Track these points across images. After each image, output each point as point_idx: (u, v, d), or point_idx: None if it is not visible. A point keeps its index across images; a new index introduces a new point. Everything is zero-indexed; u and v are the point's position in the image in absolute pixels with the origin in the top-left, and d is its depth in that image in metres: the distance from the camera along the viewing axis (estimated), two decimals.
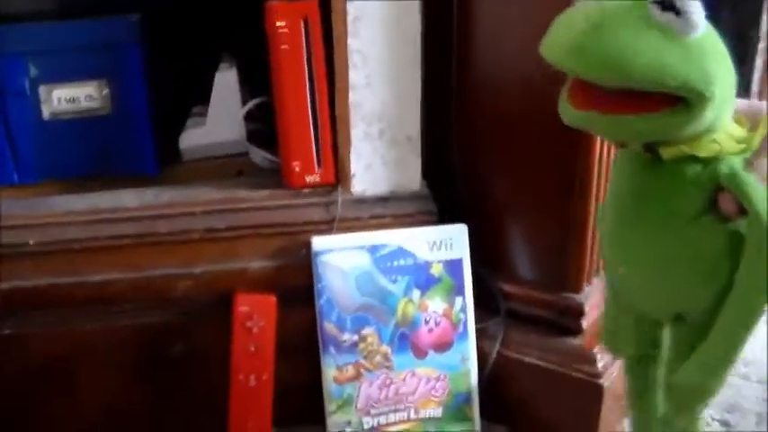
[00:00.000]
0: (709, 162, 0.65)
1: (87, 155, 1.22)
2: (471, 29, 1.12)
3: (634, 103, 0.61)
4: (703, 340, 0.68)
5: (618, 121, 0.62)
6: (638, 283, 0.74)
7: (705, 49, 0.60)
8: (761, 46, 1.75)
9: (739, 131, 0.66)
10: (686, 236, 0.67)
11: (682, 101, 0.60)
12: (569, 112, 0.65)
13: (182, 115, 1.31)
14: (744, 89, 1.81)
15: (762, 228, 0.61)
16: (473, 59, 1.13)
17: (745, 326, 0.64)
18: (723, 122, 0.65)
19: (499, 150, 1.14)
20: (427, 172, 1.17)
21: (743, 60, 1.78)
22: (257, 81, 1.22)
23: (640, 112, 0.61)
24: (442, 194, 1.18)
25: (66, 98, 1.20)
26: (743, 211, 0.64)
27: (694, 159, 0.65)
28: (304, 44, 1.10)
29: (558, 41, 0.62)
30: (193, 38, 1.30)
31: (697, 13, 0.59)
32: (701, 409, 0.77)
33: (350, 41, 1.10)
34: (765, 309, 0.63)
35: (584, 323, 1.14)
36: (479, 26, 1.12)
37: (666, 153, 0.65)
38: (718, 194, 0.66)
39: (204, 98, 1.28)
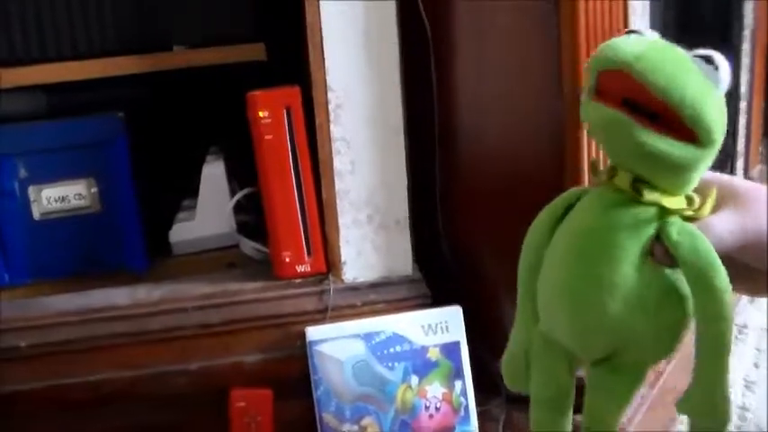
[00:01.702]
0: (660, 214, 0.67)
1: (77, 253, 1.21)
2: (453, 109, 1.14)
3: (659, 125, 0.63)
4: (621, 383, 0.69)
5: (646, 135, 0.64)
6: (581, 324, 0.73)
7: (722, 105, 0.64)
8: (742, 105, 1.77)
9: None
10: (635, 276, 0.68)
11: (694, 141, 0.63)
12: (600, 110, 0.66)
13: (172, 209, 1.30)
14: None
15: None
16: (456, 142, 1.13)
17: (721, 353, 0.65)
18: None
19: (488, 230, 1.14)
20: (417, 256, 1.17)
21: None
22: (245, 172, 1.22)
23: (667, 135, 0.64)
24: (433, 277, 1.17)
25: (56, 197, 1.20)
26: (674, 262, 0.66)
27: (647, 205, 0.67)
28: (287, 133, 1.11)
29: (617, 46, 0.65)
30: (180, 132, 1.30)
31: (727, 72, 0.63)
32: None
33: (332, 129, 1.11)
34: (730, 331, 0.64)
35: None
36: (460, 105, 1.13)
37: (649, 195, 0.66)
38: (653, 244, 0.67)
39: (194, 191, 1.28)
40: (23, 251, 1.21)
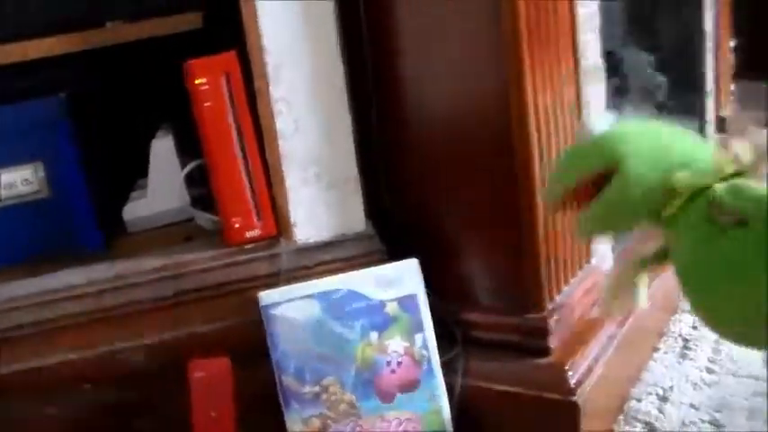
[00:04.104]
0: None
1: (31, 238, 1.21)
2: (392, 61, 1.12)
3: None
4: None
5: None
6: None
7: None
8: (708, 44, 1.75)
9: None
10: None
11: None
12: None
13: (125, 188, 1.29)
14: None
15: None
16: (397, 94, 1.12)
17: None
18: None
19: (437, 182, 1.13)
20: (371, 212, 1.15)
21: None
22: (197, 145, 1.21)
23: None
24: (390, 233, 1.16)
25: (3, 184, 1.19)
26: None
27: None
28: (227, 99, 1.10)
29: None
30: (128, 109, 1.29)
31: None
32: None
33: (272, 90, 1.09)
34: None
35: (552, 342, 1.11)
36: (399, 55, 1.12)
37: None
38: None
39: (146, 168, 1.27)
40: None
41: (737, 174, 0.65)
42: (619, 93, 1.70)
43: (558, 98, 1.11)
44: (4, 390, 1.10)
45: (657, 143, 0.68)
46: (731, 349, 1.34)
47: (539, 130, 1.08)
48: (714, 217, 0.64)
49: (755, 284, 0.62)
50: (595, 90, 1.21)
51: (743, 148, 0.65)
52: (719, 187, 0.64)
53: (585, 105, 1.18)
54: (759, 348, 0.69)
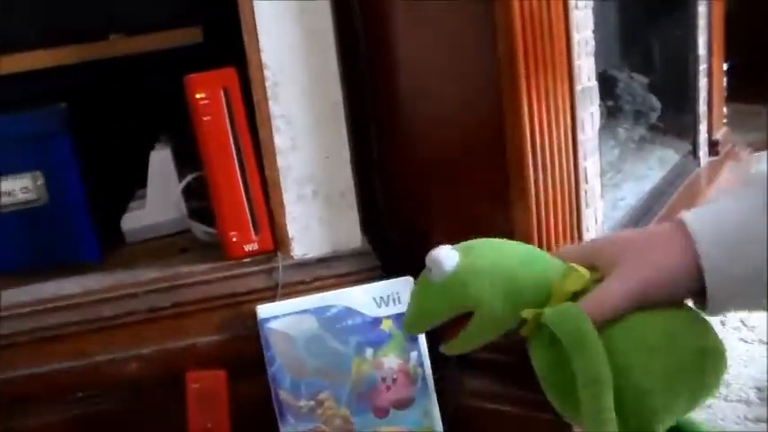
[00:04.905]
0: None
1: (28, 247, 1.21)
2: (390, 77, 1.14)
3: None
4: None
5: None
6: None
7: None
8: (702, 67, 1.76)
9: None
10: None
11: None
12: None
13: (123, 199, 1.30)
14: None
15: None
16: (391, 113, 1.14)
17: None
18: None
19: (432, 198, 1.14)
20: (366, 228, 1.16)
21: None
22: (195, 157, 1.21)
23: None
24: (384, 249, 1.17)
25: (2, 192, 1.19)
26: None
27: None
28: (226, 113, 1.11)
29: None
30: (126, 121, 1.30)
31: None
32: None
33: (271, 106, 1.10)
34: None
35: None
36: (397, 72, 1.13)
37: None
38: None
39: (145, 180, 1.27)
40: None
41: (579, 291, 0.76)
42: (612, 114, 1.72)
43: (553, 120, 1.12)
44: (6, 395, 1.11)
45: (505, 277, 0.78)
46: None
47: (533, 150, 1.09)
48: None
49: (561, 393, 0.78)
50: (589, 112, 1.22)
51: (576, 276, 0.76)
52: (548, 312, 0.75)
53: (579, 126, 1.20)
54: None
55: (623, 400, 0.72)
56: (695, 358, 0.73)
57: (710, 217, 0.68)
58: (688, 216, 0.69)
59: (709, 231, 0.67)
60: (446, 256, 0.80)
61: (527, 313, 0.76)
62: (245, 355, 1.11)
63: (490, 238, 0.85)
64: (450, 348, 0.84)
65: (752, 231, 0.65)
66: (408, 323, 0.87)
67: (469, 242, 0.84)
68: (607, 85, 1.64)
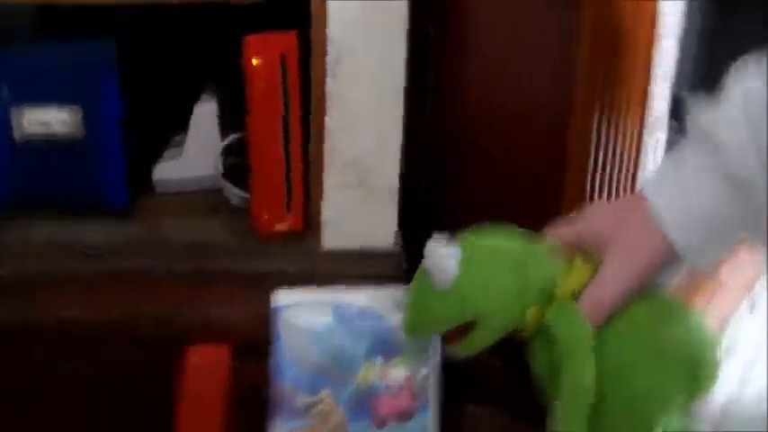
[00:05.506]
0: None
1: (58, 181, 1.17)
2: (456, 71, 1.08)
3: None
4: None
5: None
6: None
7: None
8: None
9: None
10: None
11: None
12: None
13: (159, 144, 1.25)
14: None
15: None
16: (451, 108, 1.08)
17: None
18: None
19: (479, 204, 1.09)
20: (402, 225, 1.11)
21: None
22: (239, 115, 1.16)
23: None
24: (411, 252, 1.11)
25: (38, 121, 1.14)
26: None
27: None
28: (280, 83, 1.05)
29: None
30: (174, 66, 1.24)
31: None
32: None
33: (328, 82, 1.04)
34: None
35: None
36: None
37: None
38: None
39: (183, 128, 1.22)
40: (2, 173, 1.16)
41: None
42: (680, 134, 1.65)
43: (619, 143, 1.09)
44: (7, 336, 1.07)
45: (510, 281, 0.76)
46: None
47: (594, 168, 1.07)
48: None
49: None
50: (655, 137, 1.19)
51: (577, 273, 0.74)
52: (550, 315, 0.74)
53: (647, 148, 1.15)
54: None
55: (619, 402, 0.72)
56: (686, 351, 0.73)
57: (679, 206, 0.72)
58: (658, 204, 0.72)
59: (679, 219, 0.71)
60: (447, 263, 0.77)
61: (531, 314, 0.75)
62: (253, 338, 1.06)
63: (491, 231, 0.81)
64: (452, 352, 0.83)
65: (719, 210, 0.69)
66: (409, 329, 0.88)
67: (470, 237, 0.80)
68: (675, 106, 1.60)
